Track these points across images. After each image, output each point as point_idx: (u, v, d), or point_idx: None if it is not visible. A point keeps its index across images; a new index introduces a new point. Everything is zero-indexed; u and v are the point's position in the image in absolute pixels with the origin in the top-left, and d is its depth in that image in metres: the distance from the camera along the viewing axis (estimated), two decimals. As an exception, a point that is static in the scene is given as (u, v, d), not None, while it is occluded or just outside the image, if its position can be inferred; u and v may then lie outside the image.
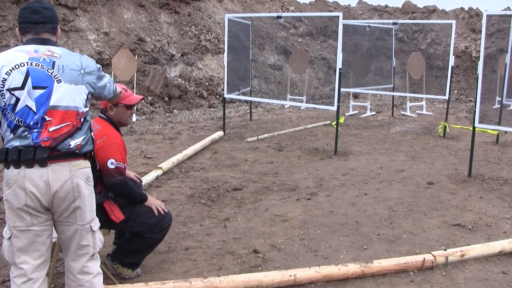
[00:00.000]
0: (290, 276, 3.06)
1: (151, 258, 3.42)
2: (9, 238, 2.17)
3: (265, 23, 14.59)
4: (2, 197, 2.19)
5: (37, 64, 2.11)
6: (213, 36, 13.00)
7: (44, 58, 2.13)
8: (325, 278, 3.12)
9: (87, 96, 2.25)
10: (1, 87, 2.07)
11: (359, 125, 9.56)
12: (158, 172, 5.57)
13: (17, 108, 2.08)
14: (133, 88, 9.95)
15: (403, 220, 4.30)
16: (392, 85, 11.38)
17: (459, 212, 4.53)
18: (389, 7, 18.90)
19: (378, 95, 13.85)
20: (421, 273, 3.28)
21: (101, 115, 3.03)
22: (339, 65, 6.61)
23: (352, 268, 3.18)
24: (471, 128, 5.82)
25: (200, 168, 6.02)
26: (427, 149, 7.38)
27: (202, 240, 3.81)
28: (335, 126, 6.97)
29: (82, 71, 2.21)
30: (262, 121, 9.94)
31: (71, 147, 2.16)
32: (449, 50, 9.94)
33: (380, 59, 14.09)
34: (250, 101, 10.39)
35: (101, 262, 2.59)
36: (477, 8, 17.01)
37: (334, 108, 6.97)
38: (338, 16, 6.85)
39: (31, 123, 2.09)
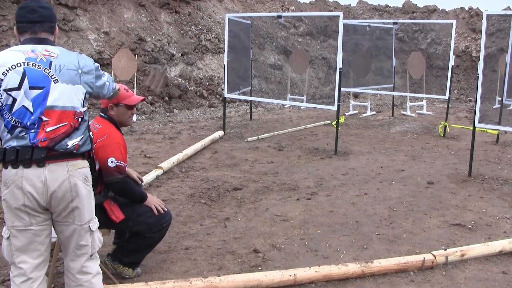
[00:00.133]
0: (290, 275, 3.05)
1: (151, 258, 3.42)
2: (8, 237, 2.17)
3: (265, 23, 14.58)
4: (1, 197, 2.19)
5: (34, 64, 2.10)
6: (213, 35, 13.00)
7: (41, 58, 2.12)
8: (325, 278, 3.11)
9: (85, 95, 2.23)
10: None
11: (359, 125, 9.56)
12: (158, 171, 5.57)
13: (14, 109, 2.07)
14: (133, 87, 9.95)
15: (403, 219, 4.30)
16: (392, 85, 11.37)
17: (459, 211, 4.53)
18: (389, 6, 18.89)
19: (378, 95, 13.85)
20: (421, 273, 3.28)
21: (102, 114, 3.03)
22: (339, 64, 6.61)
23: (352, 268, 3.18)
24: (471, 128, 5.81)
25: (200, 168, 6.02)
26: (427, 148, 7.38)
27: (202, 240, 3.81)
28: (335, 126, 6.97)
29: (80, 71, 2.20)
30: (262, 120, 9.94)
31: (68, 147, 2.15)
32: (449, 50, 9.95)
33: (380, 59, 14.09)
34: (250, 100, 10.39)
35: (101, 262, 2.59)
36: (477, 8, 17.03)
37: (334, 107, 6.97)
38: (338, 16, 6.85)
39: (28, 123, 2.08)
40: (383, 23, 12.63)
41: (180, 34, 12.45)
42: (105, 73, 2.43)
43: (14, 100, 2.07)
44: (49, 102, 2.10)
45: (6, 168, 2.11)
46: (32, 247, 2.16)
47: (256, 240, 3.82)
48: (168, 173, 5.70)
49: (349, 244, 3.76)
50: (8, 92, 2.07)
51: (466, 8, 17.14)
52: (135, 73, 10.02)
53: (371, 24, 11.43)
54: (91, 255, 2.30)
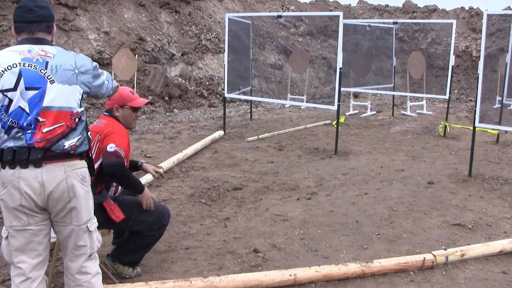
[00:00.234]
0: (290, 275, 3.05)
1: (151, 258, 3.42)
2: (7, 237, 2.17)
3: (266, 23, 14.58)
4: None
5: (30, 65, 2.09)
6: (213, 35, 13.00)
7: (37, 59, 2.10)
8: (325, 278, 3.11)
9: (82, 96, 2.22)
10: None
11: (359, 125, 9.56)
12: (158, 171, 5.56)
13: (10, 110, 2.07)
14: (134, 87, 9.95)
15: (403, 219, 4.30)
16: (392, 85, 11.37)
17: (460, 211, 4.53)
18: (390, 6, 18.88)
19: (378, 95, 13.84)
20: (421, 273, 3.27)
21: (107, 114, 3.07)
22: (339, 64, 6.60)
23: (352, 267, 3.17)
24: (472, 128, 5.81)
25: (200, 168, 6.01)
26: (427, 148, 7.38)
27: (202, 240, 3.80)
28: (336, 126, 6.97)
29: (76, 71, 2.18)
30: (263, 120, 9.94)
31: (65, 147, 2.14)
32: (450, 50, 9.94)
33: (381, 59, 14.08)
34: (251, 100, 10.39)
35: (101, 262, 2.58)
36: (478, 7, 17.02)
37: (335, 107, 6.96)
38: (339, 16, 6.85)
39: (25, 124, 2.07)
40: (383, 23, 12.63)
41: (180, 34, 12.45)
42: (104, 72, 2.41)
43: (10, 101, 2.06)
44: (45, 103, 2.09)
45: (3, 168, 2.11)
46: (31, 247, 2.16)
47: (256, 240, 3.81)
48: (168, 173, 5.69)
49: (349, 244, 3.76)
50: (4, 93, 2.06)
51: (466, 8, 17.13)
52: (135, 73, 10.01)
53: (371, 24, 11.43)
54: (90, 255, 2.29)
